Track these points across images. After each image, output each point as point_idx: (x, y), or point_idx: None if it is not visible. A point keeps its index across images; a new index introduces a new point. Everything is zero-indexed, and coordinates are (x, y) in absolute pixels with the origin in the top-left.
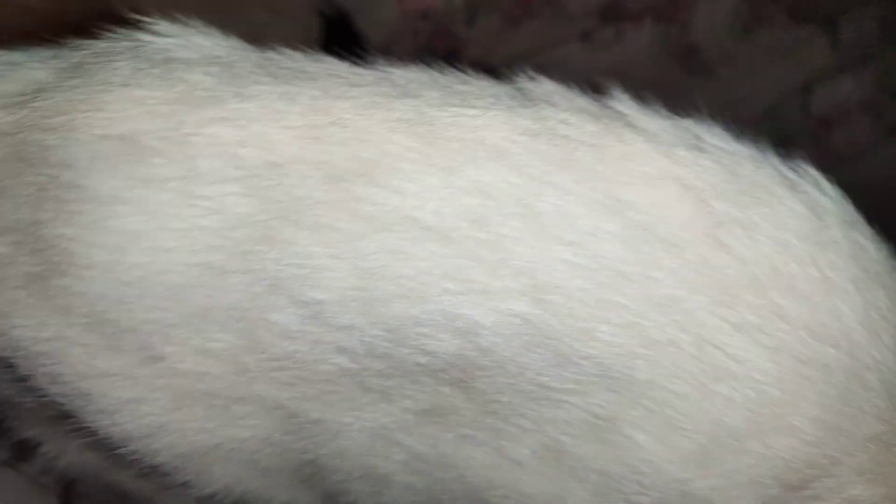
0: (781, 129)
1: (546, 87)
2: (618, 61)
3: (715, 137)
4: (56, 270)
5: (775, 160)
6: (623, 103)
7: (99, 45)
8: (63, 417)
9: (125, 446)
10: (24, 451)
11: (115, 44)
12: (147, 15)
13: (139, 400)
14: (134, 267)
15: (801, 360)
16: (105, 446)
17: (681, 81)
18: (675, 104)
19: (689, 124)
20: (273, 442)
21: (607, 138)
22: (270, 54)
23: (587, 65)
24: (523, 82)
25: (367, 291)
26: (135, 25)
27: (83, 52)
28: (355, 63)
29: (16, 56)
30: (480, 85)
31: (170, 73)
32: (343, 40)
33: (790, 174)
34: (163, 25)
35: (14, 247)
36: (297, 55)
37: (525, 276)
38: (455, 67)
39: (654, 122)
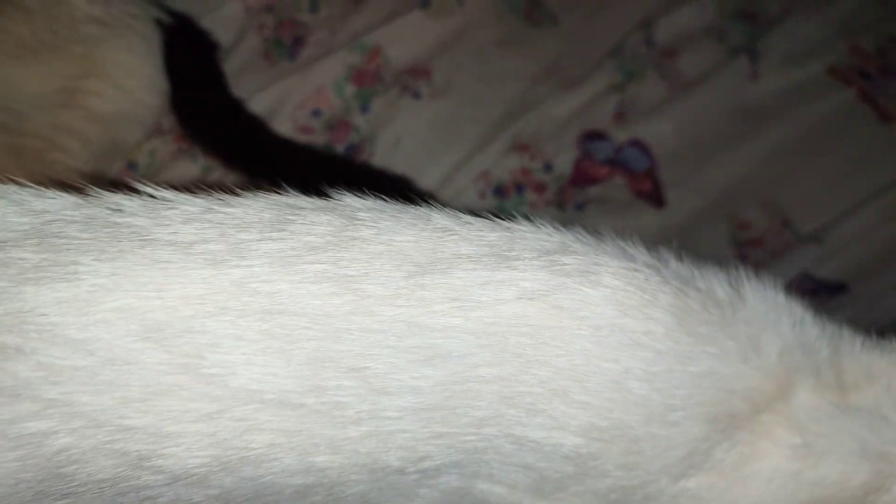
0: (629, 65)
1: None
2: (462, 24)
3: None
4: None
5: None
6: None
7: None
8: None
9: None
10: None
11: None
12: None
13: None
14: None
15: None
16: None
17: (527, 33)
18: (523, 54)
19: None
20: None
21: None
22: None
23: (431, 31)
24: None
25: (220, 461)
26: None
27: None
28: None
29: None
30: (302, 227)
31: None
32: (188, 42)
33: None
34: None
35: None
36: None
37: (366, 426)
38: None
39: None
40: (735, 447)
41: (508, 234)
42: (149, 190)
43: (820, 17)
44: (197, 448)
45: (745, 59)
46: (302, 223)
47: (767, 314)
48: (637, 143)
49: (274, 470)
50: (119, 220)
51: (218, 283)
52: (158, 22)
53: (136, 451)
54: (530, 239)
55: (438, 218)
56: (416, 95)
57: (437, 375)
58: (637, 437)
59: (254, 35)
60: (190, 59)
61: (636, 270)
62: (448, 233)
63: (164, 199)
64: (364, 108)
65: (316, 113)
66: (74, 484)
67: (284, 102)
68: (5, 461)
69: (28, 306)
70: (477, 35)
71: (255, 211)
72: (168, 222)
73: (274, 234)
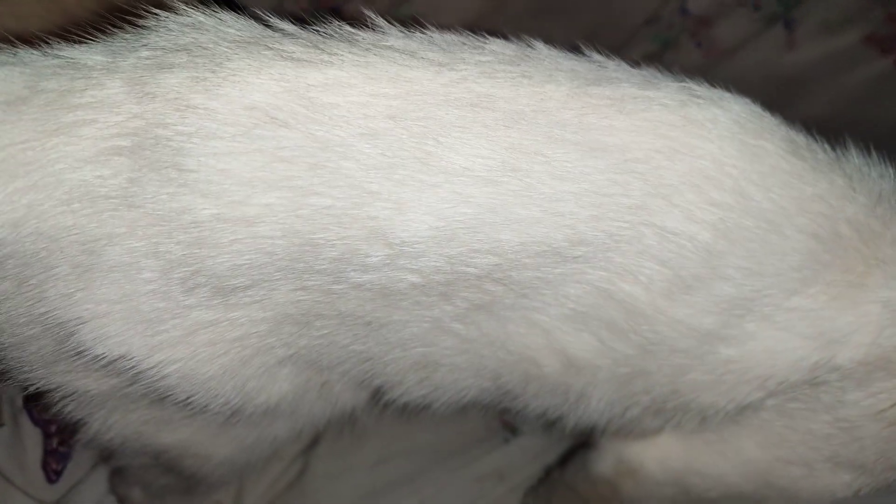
0: (665, 33)
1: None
2: None
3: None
4: (202, 252)
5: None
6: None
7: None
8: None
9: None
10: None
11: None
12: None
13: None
14: (265, 238)
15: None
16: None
17: (563, 2)
18: (560, 23)
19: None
20: (342, 345)
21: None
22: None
23: (469, 2)
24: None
25: (438, 230)
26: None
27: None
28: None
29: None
30: (496, 48)
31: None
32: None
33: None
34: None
35: (154, 243)
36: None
37: (544, 207)
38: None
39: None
40: (848, 273)
41: (649, 73)
42: (370, 14)
43: None
44: (422, 216)
45: (781, 27)
46: (494, 46)
47: (870, 171)
48: None
49: (470, 244)
50: (355, 35)
51: (440, 79)
52: None
53: (376, 217)
54: (668, 76)
55: (595, 55)
56: None
57: (599, 165)
58: (754, 240)
59: (291, 5)
60: None
61: (754, 105)
62: (602, 65)
63: (380, 26)
64: None
65: None
66: (317, 260)
67: None
68: (281, 214)
69: (300, 86)
70: (514, 5)
71: (455, 35)
72: (393, 38)
73: (475, 52)
